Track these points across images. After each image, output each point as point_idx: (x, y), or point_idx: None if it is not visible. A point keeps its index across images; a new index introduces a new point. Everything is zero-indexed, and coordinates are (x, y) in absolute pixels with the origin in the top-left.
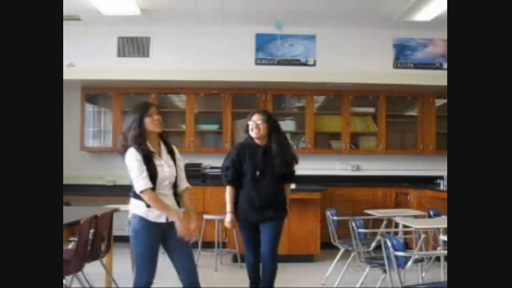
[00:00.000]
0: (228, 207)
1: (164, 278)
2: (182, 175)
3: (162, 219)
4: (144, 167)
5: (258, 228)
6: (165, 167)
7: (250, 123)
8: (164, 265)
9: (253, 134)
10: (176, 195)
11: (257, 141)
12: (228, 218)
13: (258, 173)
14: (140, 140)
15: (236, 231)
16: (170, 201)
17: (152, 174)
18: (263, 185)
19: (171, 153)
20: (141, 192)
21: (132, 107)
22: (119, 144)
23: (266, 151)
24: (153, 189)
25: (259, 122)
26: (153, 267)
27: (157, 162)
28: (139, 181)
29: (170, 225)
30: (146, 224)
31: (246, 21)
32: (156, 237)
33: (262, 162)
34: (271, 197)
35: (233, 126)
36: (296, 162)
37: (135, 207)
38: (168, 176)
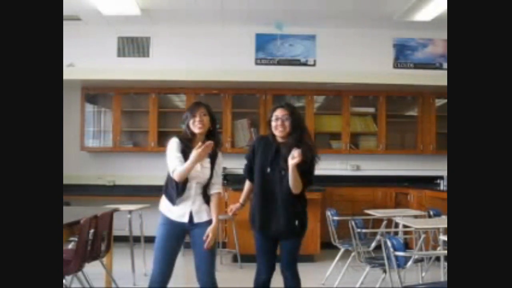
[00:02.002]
0: (241, 198)
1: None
2: (217, 180)
3: (185, 219)
4: (179, 155)
5: (273, 238)
6: (198, 166)
7: (273, 119)
8: None
9: (277, 132)
10: (206, 196)
11: (279, 139)
12: (234, 206)
13: (269, 169)
14: (191, 137)
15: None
16: (195, 198)
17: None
18: (270, 186)
19: (213, 156)
20: (173, 172)
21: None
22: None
23: (279, 148)
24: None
25: (284, 118)
26: (166, 263)
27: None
28: (174, 162)
29: (193, 225)
30: (167, 220)
31: (246, 21)
32: (175, 235)
33: (274, 159)
34: (277, 201)
35: (233, 126)
36: (313, 159)
37: (162, 205)
38: (196, 177)
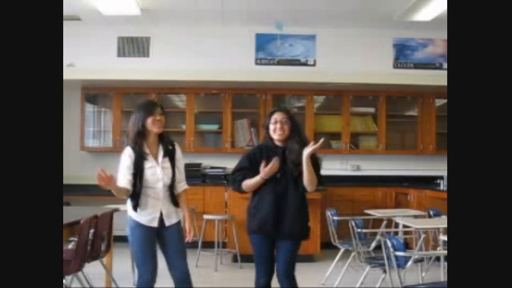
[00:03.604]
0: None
1: (164, 278)
2: (181, 176)
3: (154, 224)
4: (131, 171)
5: (273, 242)
6: (158, 169)
7: (272, 122)
8: (165, 265)
9: (276, 135)
10: (173, 197)
11: (277, 142)
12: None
13: (278, 175)
14: (139, 139)
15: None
16: (164, 201)
17: (139, 175)
18: (281, 189)
19: (171, 154)
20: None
21: (138, 104)
22: (124, 142)
23: (285, 151)
24: (133, 191)
25: (283, 120)
26: (153, 262)
27: (149, 164)
28: (121, 180)
29: (164, 227)
30: (138, 224)
31: (246, 21)
32: (151, 234)
33: (282, 164)
34: (290, 204)
35: (233, 126)
36: (318, 164)
37: (129, 209)
38: (161, 178)
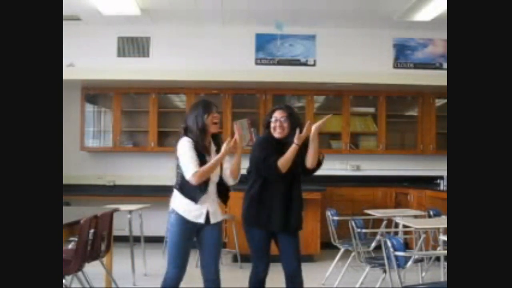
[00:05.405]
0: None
1: (188, 278)
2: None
3: (201, 220)
4: (196, 156)
5: (270, 235)
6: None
7: (272, 120)
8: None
9: (276, 134)
10: (221, 193)
11: (280, 140)
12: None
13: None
14: (202, 135)
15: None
16: (213, 198)
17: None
18: (289, 185)
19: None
20: (193, 175)
21: (196, 102)
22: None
23: (286, 146)
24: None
25: (282, 119)
26: (184, 262)
27: (207, 159)
28: (191, 164)
29: (208, 225)
30: (183, 221)
31: (246, 21)
32: (190, 234)
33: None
34: (295, 199)
35: (233, 126)
36: (320, 161)
37: (177, 204)
38: (214, 174)
